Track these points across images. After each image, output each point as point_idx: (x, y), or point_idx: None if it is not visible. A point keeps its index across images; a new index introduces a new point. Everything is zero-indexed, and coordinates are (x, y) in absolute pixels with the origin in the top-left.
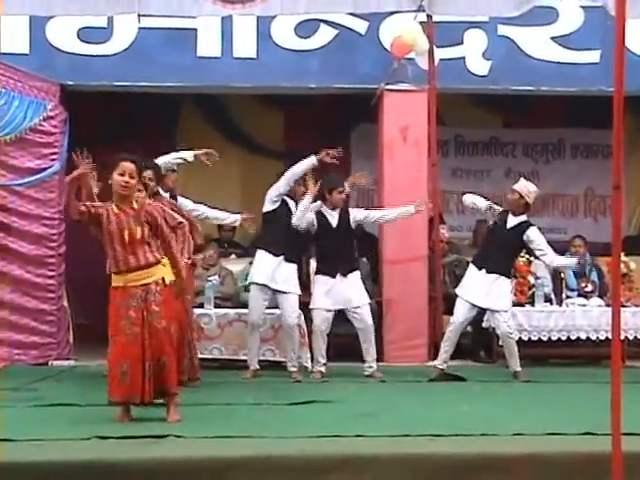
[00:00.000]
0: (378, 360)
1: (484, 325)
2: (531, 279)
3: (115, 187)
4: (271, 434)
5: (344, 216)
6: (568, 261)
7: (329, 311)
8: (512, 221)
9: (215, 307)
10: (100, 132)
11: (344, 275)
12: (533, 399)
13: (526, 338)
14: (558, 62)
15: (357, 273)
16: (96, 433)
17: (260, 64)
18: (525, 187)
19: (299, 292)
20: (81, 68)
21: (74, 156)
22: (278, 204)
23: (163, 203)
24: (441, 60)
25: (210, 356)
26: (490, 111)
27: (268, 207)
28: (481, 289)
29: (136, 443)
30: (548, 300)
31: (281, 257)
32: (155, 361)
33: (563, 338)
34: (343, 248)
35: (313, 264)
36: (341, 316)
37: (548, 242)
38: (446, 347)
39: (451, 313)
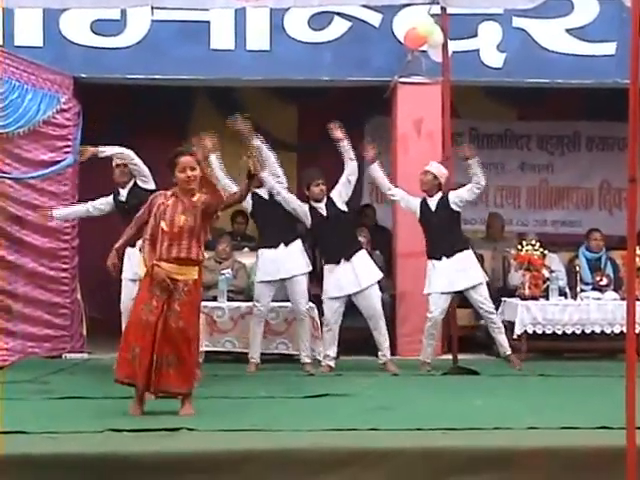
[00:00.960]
0: (391, 354)
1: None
2: (545, 272)
3: (179, 183)
4: (285, 427)
5: (330, 203)
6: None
7: (338, 299)
8: (433, 202)
9: (228, 300)
10: (113, 125)
11: (347, 259)
12: (547, 393)
13: (540, 332)
14: (573, 54)
15: (362, 253)
16: (109, 426)
17: (273, 56)
18: (437, 168)
19: (306, 269)
20: (94, 61)
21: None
22: (251, 199)
23: None
24: (455, 52)
25: (223, 349)
26: (505, 104)
27: (248, 207)
28: (449, 275)
29: (149, 436)
30: (563, 294)
31: (281, 245)
32: (163, 358)
33: (578, 332)
34: (340, 233)
35: None
36: (354, 309)
37: (562, 235)
38: (430, 342)
39: (465, 306)
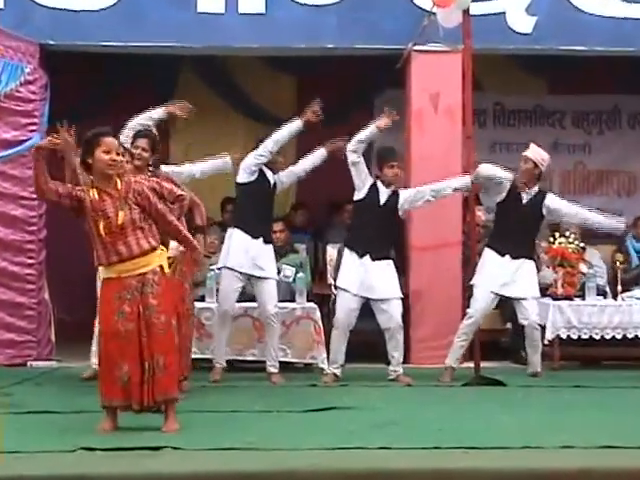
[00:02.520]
0: (404, 361)
1: None
2: (583, 268)
3: (100, 166)
4: (283, 446)
5: (393, 196)
6: (614, 220)
7: (353, 298)
8: (526, 195)
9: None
10: (85, 99)
11: (374, 259)
12: (584, 407)
13: (575, 336)
14: (613, 17)
15: (390, 262)
16: (82, 444)
17: (269, 21)
18: (539, 154)
19: (277, 277)
20: (64, 25)
21: (57, 126)
22: (256, 175)
23: (159, 177)
24: (478, 16)
25: (212, 356)
26: (534, 75)
27: (244, 177)
28: (505, 277)
29: (128, 456)
30: (601, 293)
31: (260, 239)
32: (155, 362)
33: (618, 336)
34: (383, 229)
35: (330, 251)
36: (363, 309)
37: None
38: (462, 342)
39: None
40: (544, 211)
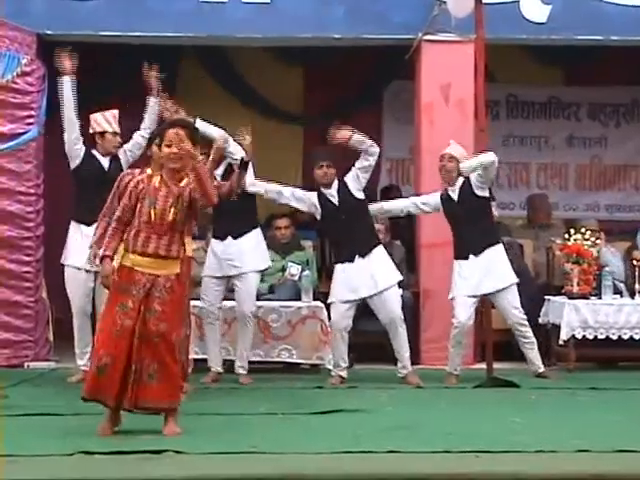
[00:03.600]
0: (414, 362)
1: (540, 321)
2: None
3: (163, 161)
4: (289, 450)
5: (342, 189)
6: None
7: (348, 303)
8: (454, 191)
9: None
10: (83, 91)
11: (363, 256)
12: (599, 409)
13: (591, 337)
14: (633, 5)
15: (380, 249)
16: (81, 448)
17: (275, 10)
18: (460, 152)
19: (259, 267)
20: (62, 15)
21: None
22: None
23: None
24: (491, 5)
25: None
26: (549, 66)
27: None
28: (475, 277)
29: (128, 460)
30: (618, 291)
31: (228, 238)
32: (144, 367)
33: (636, 337)
34: (354, 225)
35: None
36: (367, 310)
37: (618, 221)
38: (458, 351)
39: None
40: (475, 189)
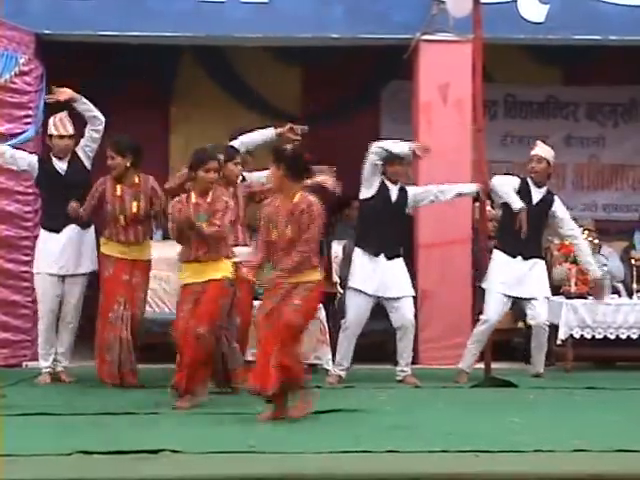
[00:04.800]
0: (412, 362)
1: None
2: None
3: (200, 182)
4: (288, 449)
5: (403, 193)
6: (595, 266)
7: (366, 298)
8: (537, 194)
9: None
10: (81, 91)
11: (389, 258)
12: (597, 409)
13: (589, 336)
14: (630, 5)
15: (402, 260)
16: (78, 447)
17: (273, 10)
18: (549, 152)
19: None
20: (60, 14)
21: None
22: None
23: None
24: (489, 5)
25: None
26: (547, 65)
27: None
28: (516, 278)
29: (126, 459)
30: (616, 291)
31: None
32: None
33: (634, 336)
34: (393, 226)
35: (336, 247)
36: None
37: (615, 221)
38: (474, 350)
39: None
40: (550, 214)
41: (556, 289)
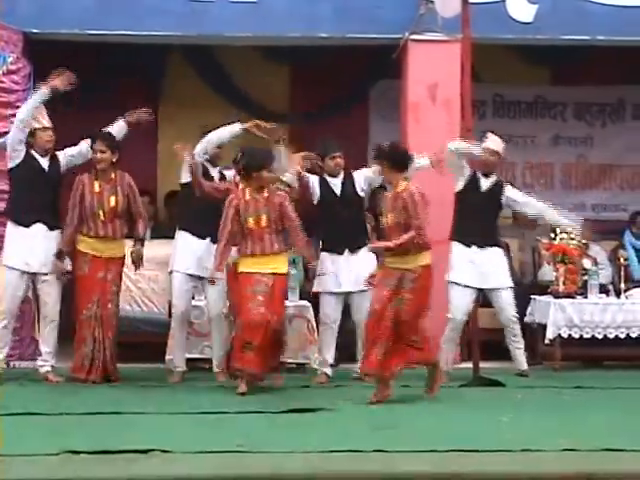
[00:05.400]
0: None
1: (526, 320)
2: (587, 264)
3: (258, 181)
4: (276, 448)
5: (348, 183)
6: (571, 219)
7: (337, 296)
8: (486, 182)
9: None
10: (70, 90)
11: (353, 251)
12: (585, 408)
13: (577, 335)
14: (618, 5)
15: (366, 250)
16: (67, 447)
17: (262, 9)
18: (500, 145)
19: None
20: (48, 13)
21: None
22: (200, 173)
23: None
24: (477, 4)
25: (201, 356)
26: (535, 65)
27: (186, 177)
28: (476, 268)
29: (115, 459)
30: (604, 291)
31: (207, 239)
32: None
33: (621, 336)
34: (351, 220)
35: None
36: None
37: (603, 220)
38: (451, 348)
39: (489, 305)
40: (503, 200)
41: (544, 289)
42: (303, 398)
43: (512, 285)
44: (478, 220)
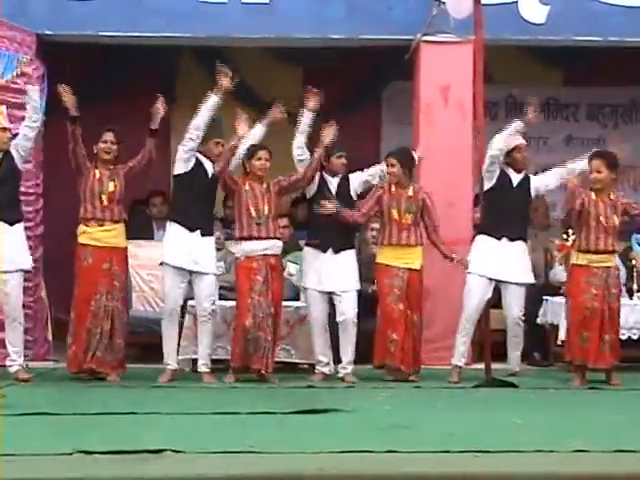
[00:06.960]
0: (414, 362)
1: (539, 321)
2: None
3: (254, 170)
4: (288, 449)
5: (344, 184)
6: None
7: (320, 295)
8: (517, 178)
9: (220, 299)
10: (83, 91)
11: (336, 252)
12: (598, 409)
13: None
14: (631, 6)
15: (352, 252)
16: (79, 447)
17: (273, 11)
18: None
19: (218, 272)
20: (61, 15)
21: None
22: (192, 163)
23: None
24: (489, 5)
25: (214, 357)
26: (548, 66)
27: (181, 168)
28: (499, 261)
29: (127, 459)
30: None
31: (197, 232)
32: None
33: (634, 337)
34: (339, 220)
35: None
36: (370, 308)
37: None
38: (463, 340)
39: (501, 306)
40: (533, 192)
41: (556, 289)
42: (314, 399)
43: (528, 282)
44: (511, 214)
